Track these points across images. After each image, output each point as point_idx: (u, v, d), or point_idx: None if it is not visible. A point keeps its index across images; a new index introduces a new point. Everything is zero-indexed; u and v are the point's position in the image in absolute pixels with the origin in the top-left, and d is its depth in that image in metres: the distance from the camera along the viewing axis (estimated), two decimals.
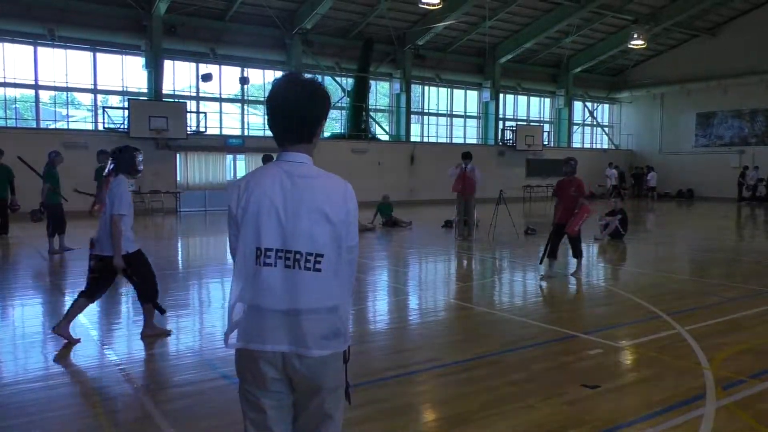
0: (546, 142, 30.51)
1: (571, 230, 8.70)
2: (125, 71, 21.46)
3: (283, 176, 2.18)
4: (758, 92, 28.63)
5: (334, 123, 26.48)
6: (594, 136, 35.18)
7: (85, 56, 20.78)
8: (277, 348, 2.13)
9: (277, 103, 2.20)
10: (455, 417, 3.87)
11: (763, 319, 6.41)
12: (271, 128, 2.25)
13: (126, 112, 20.28)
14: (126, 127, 20.16)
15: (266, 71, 24.24)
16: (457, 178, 13.35)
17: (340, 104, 25.89)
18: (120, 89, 21.46)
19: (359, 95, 25.31)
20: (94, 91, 21.12)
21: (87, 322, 6.33)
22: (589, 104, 34.33)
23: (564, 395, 4.21)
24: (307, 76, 2.31)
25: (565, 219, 8.77)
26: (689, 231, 16.90)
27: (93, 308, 7.18)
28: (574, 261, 9.22)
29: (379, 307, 7.44)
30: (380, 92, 27.66)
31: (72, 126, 21.16)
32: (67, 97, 21.27)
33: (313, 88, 2.22)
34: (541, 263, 9.52)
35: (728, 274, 9.48)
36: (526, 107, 32.31)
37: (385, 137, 27.17)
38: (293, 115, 2.19)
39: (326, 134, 25.53)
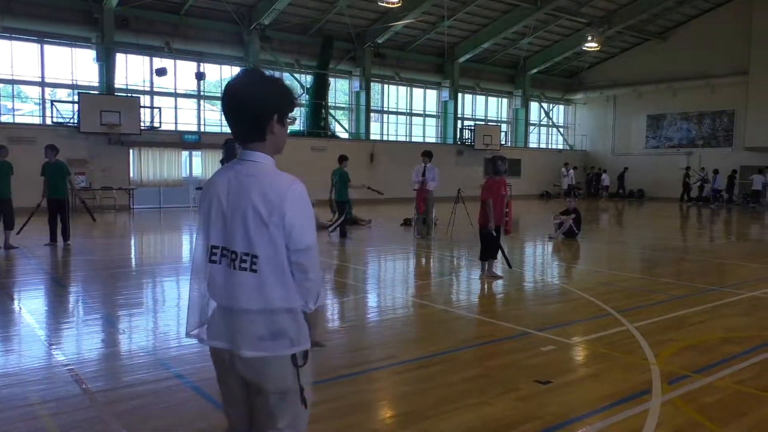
0: (503, 142, 30.96)
1: (509, 231, 8.69)
2: (75, 64, 20.82)
3: (231, 175, 2.19)
4: (705, 96, 29.71)
5: (293, 120, 26.30)
6: (550, 136, 35.88)
7: (32, 48, 20.07)
8: (221, 345, 2.19)
9: (225, 99, 2.18)
10: (411, 414, 3.90)
11: (708, 316, 6.66)
12: (229, 127, 2.24)
13: (76, 106, 19.68)
14: (76, 121, 19.57)
15: (223, 67, 23.89)
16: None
17: (295, 101, 25.69)
18: (69, 82, 20.80)
19: (319, 93, 25.18)
20: (42, 84, 20.42)
21: (33, 321, 6.13)
22: (545, 105, 35.00)
23: (517, 391, 4.29)
24: (264, 71, 2.28)
25: (500, 221, 8.69)
26: (639, 230, 17.41)
27: (40, 307, 6.97)
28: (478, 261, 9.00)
29: (337, 305, 7.43)
30: (340, 90, 27.58)
31: (18, 120, 20.39)
32: (13, 89, 20.49)
33: (258, 81, 2.17)
34: (510, 267, 9.18)
35: (675, 273, 9.81)
36: (484, 107, 32.72)
37: (344, 135, 27.11)
38: (238, 110, 2.16)
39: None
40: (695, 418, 3.84)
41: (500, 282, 8.57)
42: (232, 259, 2.14)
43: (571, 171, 30.87)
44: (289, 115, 2.26)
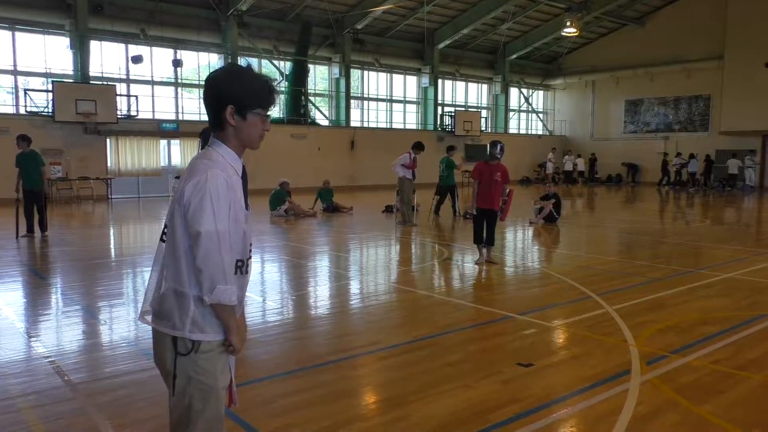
0: (484, 128, 31.05)
1: (504, 218, 8.71)
2: (48, 52, 20.39)
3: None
4: (681, 81, 30.03)
5: (272, 108, 26.05)
6: (530, 122, 36.05)
7: (4, 36, 19.61)
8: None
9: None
10: (395, 398, 3.93)
11: (685, 298, 6.78)
12: None
13: (50, 94, 19.31)
14: (50, 110, 19.21)
15: (200, 54, 23.57)
16: (410, 165, 13.32)
17: (278, 88, 25.46)
18: (43, 71, 20.38)
19: (298, 79, 24.99)
20: (14, 72, 19.98)
21: (12, 313, 6.05)
22: (524, 91, 35.11)
23: (500, 374, 4.34)
24: (235, 62, 2.33)
25: (488, 205, 8.58)
26: (618, 214, 17.62)
27: (18, 299, 6.88)
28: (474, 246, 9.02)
29: (320, 292, 7.44)
30: (319, 76, 27.39)
31: None
32: None
33: (218, 73, 2.25)
34: (483, 246, 9.28)
35: (653, 256, 9.95)
36: (464, 93, 32.74)
37: (324, 122, 26.97)
38: (203, 100, 2.27)
39: None
40: (673, 397, 3.92)
41: (483, 268, 8.62)
42: (164, 231, 2.24)
43: (572, 157, 31.60)
44: (261, 111, 2.23)
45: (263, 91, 2.24)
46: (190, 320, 2.14)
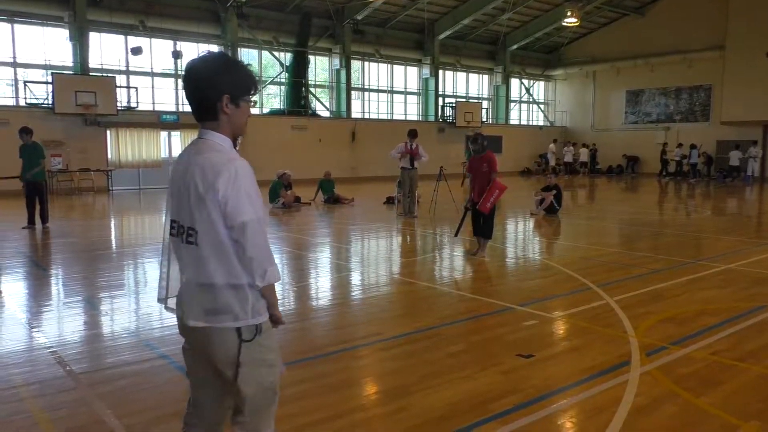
0: (484, 119, 30.99)
1: (483, 208, 8.42)
2: (47, 44, 20.32)
3: (188, 152, 2.30)
4: (682, 71, 29.92)
5: (273, 99, 26.02)
6: (530, 113, 35.96)
7: (3, 28, 19.55)
8: (175, 313, 2.34)
9: (183, 80, 2.28)
10: (396, 389, 3.95)
11: (685, 289, 6.79)
12: None
13: (50, 86, 19.27)
14: (50, 102, 19.18)
15: (200, 45, 23.48)
16: (403, 153, 13.30)
17: (278, 80, 25.43)
18: (42, 63, 20.32)
19: (298, 71, 24.92)
20: (14, 64, 19.93)
21: (14, 304, 6.07)
22: (525, 81, 35.01)
23: (500, 365, 4.36)
24: (216, 50, 2.34)
25: (480, 197, 8.59)
26: (618, 206, 17.62)
27: (20, 290, 6.90)
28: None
29: (321, 283, 7.46)
30: (320, 68, 27.32)
31: None
32: None
33: (208, 62, 2.25)
34: (456, 235, 9.63)
35: (654, 247, 9.96)
36: (465, 84, 32.65)
37: (325, 113, 26.92)
38: (191, 92, 2.26)
39: (265, 111, 25.06)
40: (672, 388, 3.94)
41: (484, 259, 8.60)
42: (180, 233, 2.25)
43: (571, 148, 31.57)
44: (249, 98, 2.29)
45: (251, 78, 2.30)
46: (250, 307, 2.21)
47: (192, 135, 18.29)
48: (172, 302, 2.38)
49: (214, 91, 2.20)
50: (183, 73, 2.28)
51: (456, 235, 9.65)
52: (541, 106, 36.25)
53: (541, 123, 35.85)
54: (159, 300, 2.45)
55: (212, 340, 2.23)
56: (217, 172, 2.14)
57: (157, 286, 2.47)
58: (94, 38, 20.82)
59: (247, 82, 2.27)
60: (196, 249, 2.19)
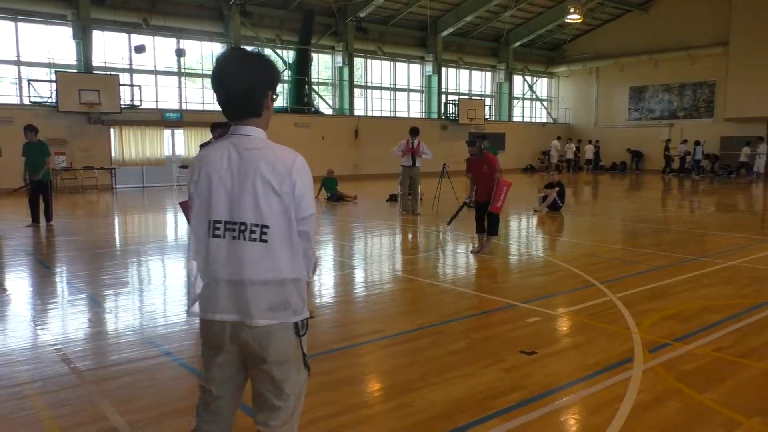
0: (488, 116, 30.93)
1: (494, 209, 8.44)
2: (51, 42, 20.36)
3: (230, 150, 2.21)
4: (686, 67, 29.81)
5: (275, 96, 26.02)
6: (533, 110, 35.89)
7: (7, 26, 19.59)
8: (225, 317, 2.20)
9: (219, 79, 2.20)
10: (399, 386, 3.96)
11: (688, 286, 6.78)
12: (219, 105, 2.26)
13: (53, 85, 19.31)
14: (54, 100, 19.22)
15: (203, 43, 23.51)
16: (404, 151, 13.31)
17: (281, 77, 25.43)
18: (46, 61, 20.36)
19: (301, 68, 24.93)
20: (17, 62, 19.96)
21: (19, 302, 6.10)
22: (528, 78, 34.93)
23: (503, 362, 4.36)
24: (249, 48, 2.31)
25: (485, 197, 8.60)
26: (622, 202, 17.58)
27: (25, 288, 6.93)
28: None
29: (325, 281, 7.46)
30: (323, 65, 27.30)
31: None
32: None
33: (252, 59, 2.22)
34: (449, 224, 10.16)
35: (657, 244, 9.95)
36: (468, 81, 32.60)
37: (328, 111, 26.91)
38: (235, 89, 2.19)
39: None
40: (675, 384, 3.94)
41: (486, 255, 8.62)
42: (241, 230, 2.15)
43: (572, 145, 31.62)
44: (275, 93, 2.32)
45: (280, 73, 2.35)
46: (304, 300, 2.25)
47: (195, 133, 18.31)
48: (196, 307, 2.27)
49: (262, 88, 2.21)
50: (218, 72, 2.19)
51: (449, 224, 10.09)
52: (544, 103, 36.17)
53: (544, 120, 35.78)
54: (190, 310, 2.31)
55: (273, 337, 2.18)
56: (290, 165, 2.15)
57: (187, 297, 2.42)
58: (98, 36, 20.85)
59: (279, 78, 2.31)
60: (262, 246, 2.13)
